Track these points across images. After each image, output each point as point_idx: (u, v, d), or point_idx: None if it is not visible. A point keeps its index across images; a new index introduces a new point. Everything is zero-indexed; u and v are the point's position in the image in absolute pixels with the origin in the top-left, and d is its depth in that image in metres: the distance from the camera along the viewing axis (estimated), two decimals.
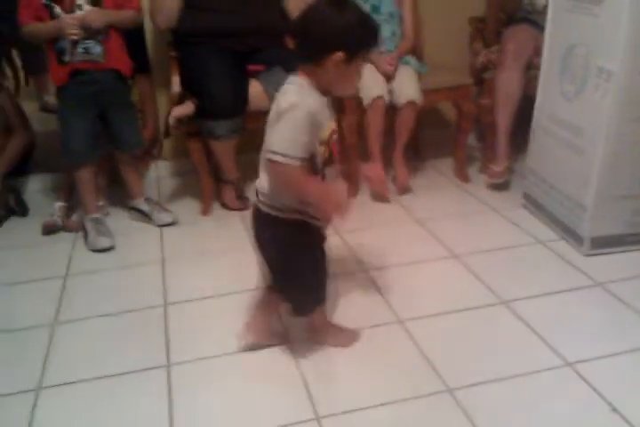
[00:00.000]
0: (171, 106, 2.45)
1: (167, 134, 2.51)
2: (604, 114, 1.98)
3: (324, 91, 1.38)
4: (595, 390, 1.48)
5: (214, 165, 2.60)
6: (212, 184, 2.60)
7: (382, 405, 1.46)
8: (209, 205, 2.60)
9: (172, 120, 2.36)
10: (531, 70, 2.58)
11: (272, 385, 1.57)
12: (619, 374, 1.55)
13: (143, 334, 1.81)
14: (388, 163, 2.71)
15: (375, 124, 2.58)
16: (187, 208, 2.64)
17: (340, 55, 1.29)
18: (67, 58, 2.19)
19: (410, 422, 1.43)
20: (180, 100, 2.45)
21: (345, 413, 1.45)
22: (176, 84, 2.49)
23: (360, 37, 1.32)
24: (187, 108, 2.37)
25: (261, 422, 1.45)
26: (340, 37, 1.29)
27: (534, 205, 2.45)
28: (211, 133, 2.39)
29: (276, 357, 1.67)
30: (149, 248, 2.32)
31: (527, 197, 2.51)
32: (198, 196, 2.65)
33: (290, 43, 1.34)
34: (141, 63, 2.64)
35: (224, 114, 2.35)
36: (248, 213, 2.57)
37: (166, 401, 1.52)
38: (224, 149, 2.47)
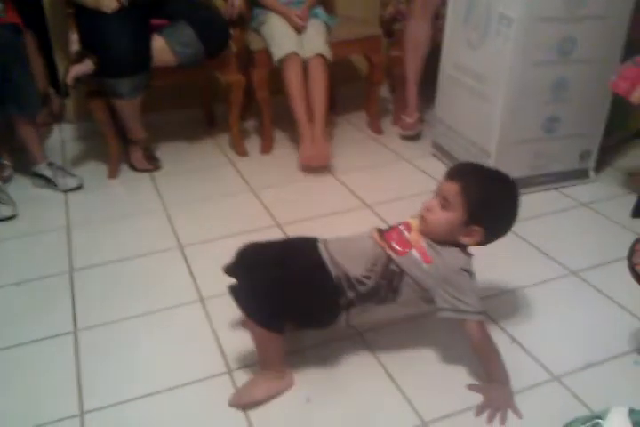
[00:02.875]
0: (69, 64, 2.33)
1: (66, 94, 2.39)
2: (506, 60, 2.00)
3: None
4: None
5: (120, 126, 2.51)
6: (119, 146, 2.51)
7: (290, 352, 1.47)
8: (116, 168, 2.52)
9: (70, 80, 2.24)
10: (439, 20, 2.58)
11: (184, 344, 1.56)
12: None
13: (48, 302, 1.75)
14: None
15: (293, 82, 2.47)
16: (93, 172, 2.54)
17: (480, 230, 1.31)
18: None
19: None
20: (78, 59, 2.32)
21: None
22: (74, 42, 2.36)
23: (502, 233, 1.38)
24: (85, 66, 2.25)
25: (174, 379, 1.43)
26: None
27: (442, 152, 2.49)
28: (114, 92, 2.29)
29: (187, 318, 1.66)
30: (54, 215, 2.23)
31: (436, 145, 2.54)
32: (105, 159, 2.55)
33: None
34: (29, 18, 2.48)
35: (125, 71, 2.25)
36: (158, 174, 2.56)
37: (74, 367, 1.49)
38: (129, 109, 2.38)
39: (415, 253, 1.33)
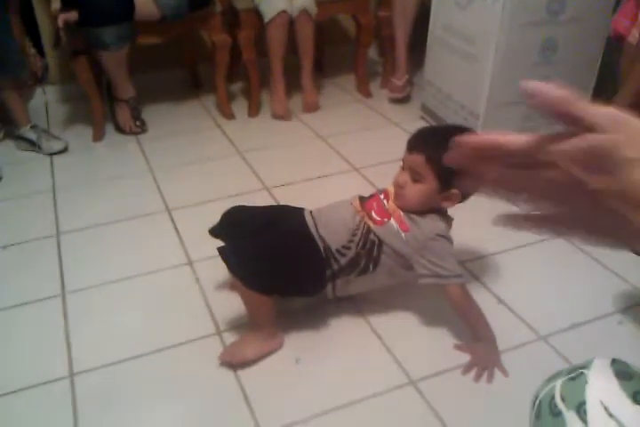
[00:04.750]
0: (54, 14, 2.25)
1: (57, 44, 2.33)
2: (495, 20, 1.98)
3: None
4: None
5: (106, 85, 2.47)
6: (103, 108, 2.47)
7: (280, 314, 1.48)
8: (101, 131, 2.48)
9: (60, 21, 2.17)
10: None
11: (173, 306, 1.56)
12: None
13: (36, 265, 1.74)
14: (295, 82, 2.65)
15: (277, 40, 2.47)
16: (78, 135, 2.50)
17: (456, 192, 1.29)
18: None
19: None
20: (63, 10, 2.24)
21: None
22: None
23: None
24: (71, 15, 2.20)
25: (163, 341, 1.44)
26: None
27: (431, 115, 2.47)
28: (99, 43, 2.23)
29: (176, 280, 1.65)
30: (39, 178, 2.20)
31: (425, 108, 2.52)
32: (89, 121, 2.51)
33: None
34: None
35: (109, 19, 2.19)
36: (144, 137, 2.53)
37: (63, 329, 1.49)
38: (115, 61, 2.32)
39: (393, 222, 1.33)
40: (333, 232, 1.35)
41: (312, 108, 2.68)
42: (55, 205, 2.03)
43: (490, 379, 1.31)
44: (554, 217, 0.44)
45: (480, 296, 1.39)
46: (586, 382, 0.57)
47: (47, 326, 1.51)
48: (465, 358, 1.36)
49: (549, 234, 0.47)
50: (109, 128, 2.53)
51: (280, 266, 1.30)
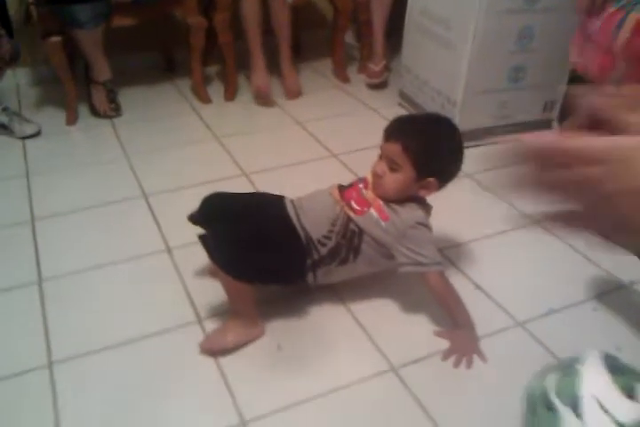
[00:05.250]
0: None
1: (28, 22, 2.27)
2: (473, 6, 1.97)
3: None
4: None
5: (84, 67, 2.42)
6: (77, 91, 2.41)
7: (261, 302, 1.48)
8: (74, 114, 2.43)
9: None
10: None
11: (152, 293, 1.55)
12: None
13: (11, 252, 1.71)
14: (275, 66, 2.63)
15: (251, 16, 2.44)
16: (51, 118, 2.45)
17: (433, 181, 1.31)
18: None
19: None
20: None
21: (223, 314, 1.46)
22: None
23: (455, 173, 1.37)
24: None
25: (143, 329, 1.43)
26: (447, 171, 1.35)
27: (409, 102, 2.47)
28: (74, 22, 2.18)
29: (154, 267, 1.64)
30: (12, 162, 2.15)
31: (403, 94, 2.52)
32: (62, 104, 2.46)
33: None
34: None
35: None
36: (119, 121, 2.48)
37: (40, 317, 1.47)
38: (91, 41, 2.28)
39: (373, 211, 1.34)
40: (314, 222, 1.36)
41: (295, 94, 2.64)
42: (29, 190, 1.99)
43: (469, 365, 1.33)
44: (580, 216, 0.47)
45: (457, 282, 1.41)
46: (580, 378, 0.59)
47: (24, 313, 1.49)
48: (444, 344, 1.38)
49: (577, 232, 0.49)
50: (83, 111, 2.48)
51: (261, 254, 1.29)
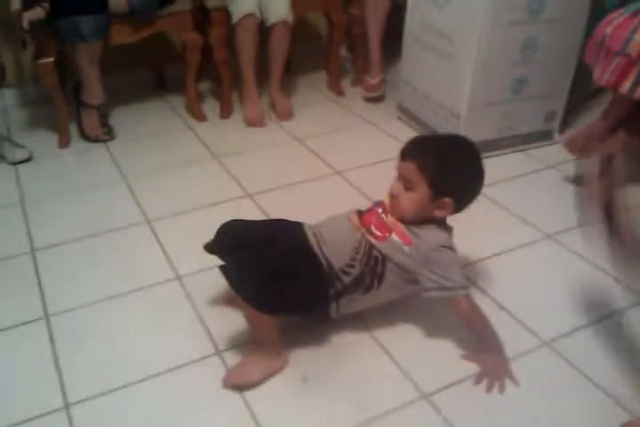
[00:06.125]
0: (18, 14, 2.12)
1: (24, 45, 2.21)
2: (476, 20, 1.95)
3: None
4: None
5: (74, 87, 2.36)
6: (69, 112, 2.35)
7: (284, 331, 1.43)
8: (66, 136, 2.36)
9: (25, 23, 2.05)
10: None
11: (166, 325, 1.49)
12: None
13: (13, 286, 1.64)
14: (267, 83, 2.59)
15: (246, 44, 2.39)
16: (42, 142, 2.37)
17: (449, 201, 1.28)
18: None
19: None
20: (26, 8, 2.12)
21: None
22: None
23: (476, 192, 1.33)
24: (37, 12, 2.08)
25: (161, 364, 1.37)
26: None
27: (408, 115, 2.45)
28: (76, 34, 2.13)
29: (166, 297, 1.58)
30: (5, 190, 2.08)
31: (401, 107, 2.49)
32: (53, 127, 2.39)
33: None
34: None
35: (89, 5, 2.11)
36: (113, 144, 2.42)
37: (50, 354, 1.41)
38: (90, 57, 2.22)
39: (395, 237, 1.30)
40: (336, 251, 1.32)
41: (287, 116, 2.57)
42: (26, 219, 1.92)
43: (501, 389, 1.30)
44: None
45: (480, 302, 1.37)
46: None
47: (33, 352, 1.42)
48: (473, 368, 1.34)
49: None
50: (74, 132, 2.41)
51: (287, 285, 1.25)
